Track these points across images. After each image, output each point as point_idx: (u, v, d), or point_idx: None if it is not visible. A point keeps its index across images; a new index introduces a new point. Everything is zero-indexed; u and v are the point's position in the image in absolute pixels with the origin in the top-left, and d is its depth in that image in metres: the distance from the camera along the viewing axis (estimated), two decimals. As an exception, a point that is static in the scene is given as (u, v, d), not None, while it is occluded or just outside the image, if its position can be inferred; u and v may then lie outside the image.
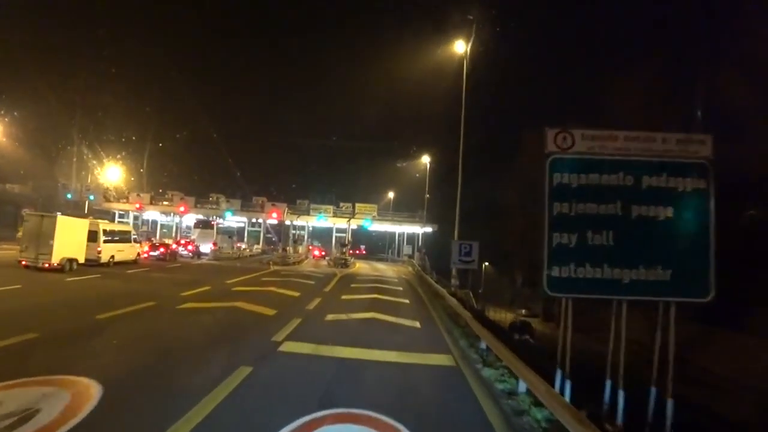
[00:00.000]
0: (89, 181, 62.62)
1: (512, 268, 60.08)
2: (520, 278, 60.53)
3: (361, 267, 46.04)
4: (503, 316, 22.94)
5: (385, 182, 72.49)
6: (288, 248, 44.40)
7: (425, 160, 47.66)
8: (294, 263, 41.92)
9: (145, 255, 33.13)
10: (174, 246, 40.26)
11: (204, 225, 47.73)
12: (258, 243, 63.66)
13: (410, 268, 48.31)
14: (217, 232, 47.39)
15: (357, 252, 76.39)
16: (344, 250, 43.48)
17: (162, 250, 33.51)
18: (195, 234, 47.66)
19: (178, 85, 70.56)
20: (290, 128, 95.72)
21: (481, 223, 61.64)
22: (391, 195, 69.66)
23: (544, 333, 23.44)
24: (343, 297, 19.38)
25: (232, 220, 63.90)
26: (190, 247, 39.60)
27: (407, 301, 20.49)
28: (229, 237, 45.88)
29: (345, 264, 41.48)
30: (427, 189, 47.21)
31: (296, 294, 19.13)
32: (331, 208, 58.09)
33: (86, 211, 53.96)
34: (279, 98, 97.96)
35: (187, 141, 70.81)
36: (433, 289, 24.41)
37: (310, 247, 71.51)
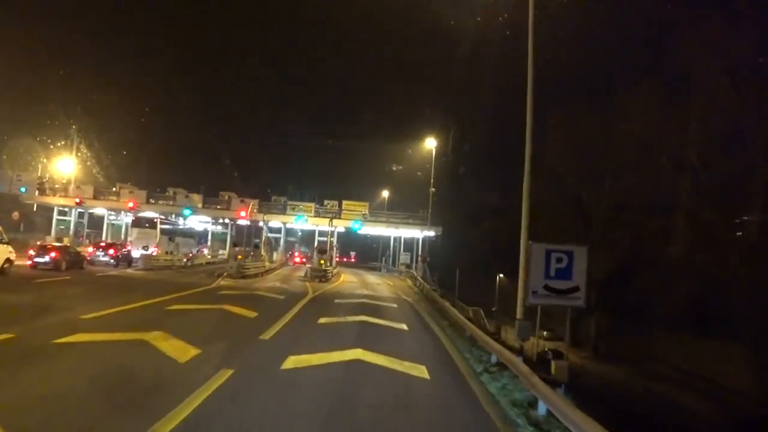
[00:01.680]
0: (39, 173, 52.04)
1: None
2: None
3: (346, 280, 35.59)
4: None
5: (379, 179, 62.28)
6: (243, 256, 33.98)
7: (430, 144, 37.54)
8: (258, 274, 31.46)
9: (29, 262, 22.83)
10: (91, 250, 29.73)
11: (144, 224, 37.15)
12: (234, 247, 53.37)
13: (409, 282, 37.97)
14: (162, 234, 36.79)
15: (344, 260, 65.82)
16: (324, 258, 33.06)
17: (53, 255, 23.03)
18: (133, 235, 37.11)
19: (144, 65, 60.08)
20: (274, 116, 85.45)
21: (493, 223, 51.41)
22: (385, 194, 59.40)
23: (582, 366, 21.65)
24: (291, 359, 8.98)
25: (195, 220, 53.36)
26: (111, 251, 29.05)
27: (426, 375, 9.35)
28: (170, 239, 35.25)
29: (324, 276, 31.08)
30: (432, 180, 37.17)
31: (193, 351, 8.71)
32: (312, 206, 47.69)
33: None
34: (260, 82, 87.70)
35: (151, 128, 60.30)
36: (471, 332, 13.87)
37: (296, 254, 60.87)
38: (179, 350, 8.64)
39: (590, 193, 41.68)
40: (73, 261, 24.30)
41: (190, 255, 36.73)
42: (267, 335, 11.19)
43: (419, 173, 56.10)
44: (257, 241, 52.97)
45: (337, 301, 20.69)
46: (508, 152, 47.93)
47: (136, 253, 32.23)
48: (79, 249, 28.86)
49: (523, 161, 14.71)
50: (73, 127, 46.31)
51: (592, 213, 40.94)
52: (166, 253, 36.78)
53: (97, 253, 28.89)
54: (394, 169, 63.91)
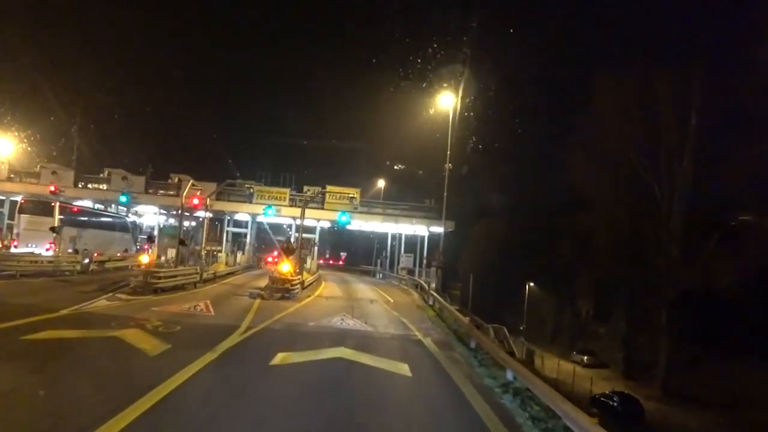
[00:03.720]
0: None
1: (575, 291, 38.48)
2: (591, 310, 38.56)
3: (325, 294, 24.73)
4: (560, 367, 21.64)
5: (372, 165, 51.45)
6: (166, 257, 23.19)
7: (446, 103, 26.65)
8: (185, 286, 20.60)
9: None
10: None
11: (37, 210, 26.16)
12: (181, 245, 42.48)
13: (414, 295, 27.17)
14: (63, 224, 25.77)
15: (331, 262, 54.94)
16: (292, 262, 21.95)
17: None
18: (21, 225, 26.07)
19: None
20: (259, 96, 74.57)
21: (523, 221, 40.40)
22: (381, 183, 48.49)
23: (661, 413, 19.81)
24: None
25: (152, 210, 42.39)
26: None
27: None
28: (53, 232, 24.00)
29: (287, 292, 20.12)
30: (448, 154, 26.29)
31: None
32: (286, 192, 36.70)
33: None
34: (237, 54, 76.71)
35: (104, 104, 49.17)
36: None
37: (274, 254, 49.68)
38: None
39: (665, 185, 31.10)
40: None
41: (95, 255, 25.69)
42: None
43: (420, 172, 45.62)
44: (186, 238, 41.96)
45: (279, 357, 9.73)
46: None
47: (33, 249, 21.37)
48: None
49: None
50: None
51: (668, 214, 30.68)
52: (75, 251, 25.88)
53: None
54: (396, 168, 53.11)
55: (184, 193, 26.20)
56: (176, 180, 38.88)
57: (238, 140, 76.53)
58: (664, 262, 31.17)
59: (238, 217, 41.73)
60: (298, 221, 42.15)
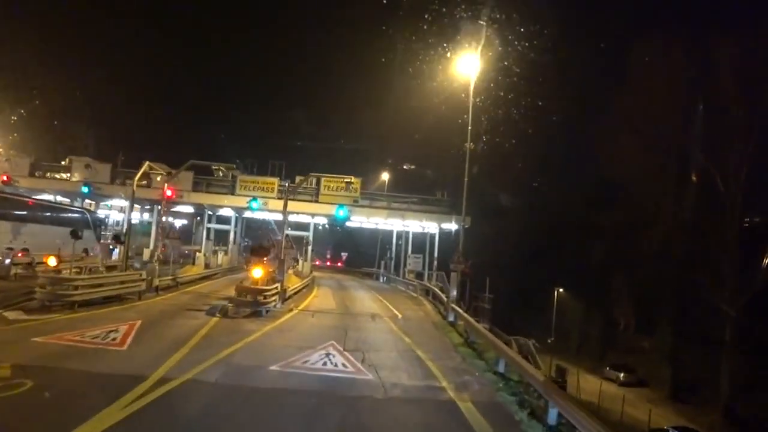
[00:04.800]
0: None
1: (611, 300, 33.00)
2: (632, 321, 33.08)
3: (314, 305, 19.41)
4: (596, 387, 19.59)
5: (376, 157, 46.17)
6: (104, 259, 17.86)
7: (464, 69, 21.13)
8: (114, 299, 15.32)
9: None
10: None
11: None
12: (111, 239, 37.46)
13: (427, 306, 21.82)
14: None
15: (328, 264, 49.59)
16: (266, 267, 16.47)
17: None
18: None
19: None
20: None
21: (548, 218, 34.91)
22: (385, 177, 43.08)
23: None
24: None
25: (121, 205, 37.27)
26: None
27: None
28: None
29: (259, 305, 14.70)
30: (469, 130, 20.78)
31: None
32: (274, 182, 31.31)
33: None
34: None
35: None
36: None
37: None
38: None
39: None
40: None
41: (19, 255, 20.30)
42: None
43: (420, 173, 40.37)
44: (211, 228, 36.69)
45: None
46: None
47: None
48: None
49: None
50: None
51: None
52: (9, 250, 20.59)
53: None
54: (405, 168, 47.58)
55: (135, 179, 20.87)
56: (146, 168, 33.61)
57: (222, 123, 71.09)
58: (729, 262, 25.66)
59: (224, 212, 36.53)
60: (291, 216, 37.04)
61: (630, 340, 35.57)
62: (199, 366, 8.65)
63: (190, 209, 37.97)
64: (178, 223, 49.93)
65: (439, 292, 20.70)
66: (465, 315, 14.16)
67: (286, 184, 32.93)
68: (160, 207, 25.26)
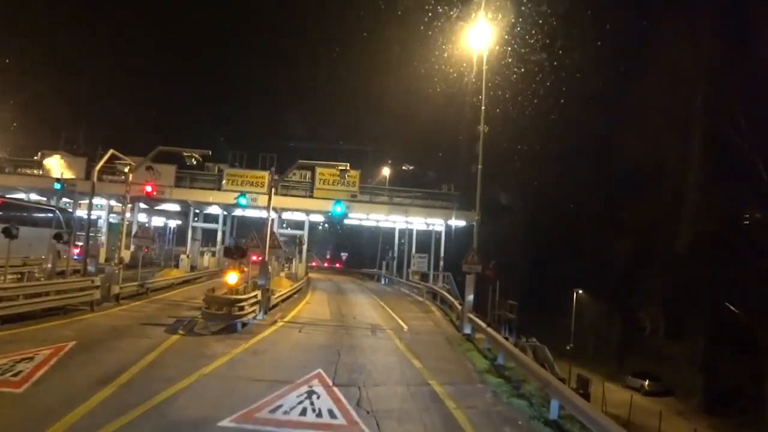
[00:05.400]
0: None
1: (636, 301, 30.24)
2: (661, 325, 30.41)
3: (303, 315, 16.66)
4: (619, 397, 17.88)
5: (377, 152, 43.32)
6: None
7: (475, 42, 18.28)
8: (81, 304, 12.55)
9: None
10: None
11: None
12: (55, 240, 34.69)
13: (437, 313, 19.01)
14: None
15: (326, 265, 46.75)
16: (235, 275, 13.49)
17: None
18: None
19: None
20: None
21: (565, 212, 31.89)
22: (386, 172, 40.19)
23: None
24: None
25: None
26: None
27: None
28: None
29: (233, 318, 11.79)
30: (482, 110, 18.00)
31: None
32: (264, 176, 28.51)
33: None
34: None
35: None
36: None
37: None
38: None
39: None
40: None
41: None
42: None
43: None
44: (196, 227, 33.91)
45: None
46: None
47: None
48: None
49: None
50: None
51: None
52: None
53: None
54: (405, 168, 44.62)
55: (96, 169, 18.04)
56: (126, 165, 30.82)
57: (210, 114, 68.08)
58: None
59: (212, 209, 33.76)
60: (285, 214, 34.23)
61: (654, 345, 32.71)
62: (116, 421, 5.83)
63: (176, 207, 35.17)
64: (172, 223, 47.27)
65: (450, 297, 17.88)
66: (489, 330, 11.28)
67: (272, 173, 30.18)
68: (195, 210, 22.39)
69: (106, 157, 18.40)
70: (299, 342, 11.50)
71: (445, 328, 15.67)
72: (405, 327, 14.91)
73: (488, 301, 16.33)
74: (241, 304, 12.21)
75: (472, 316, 13.61)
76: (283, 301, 18.33)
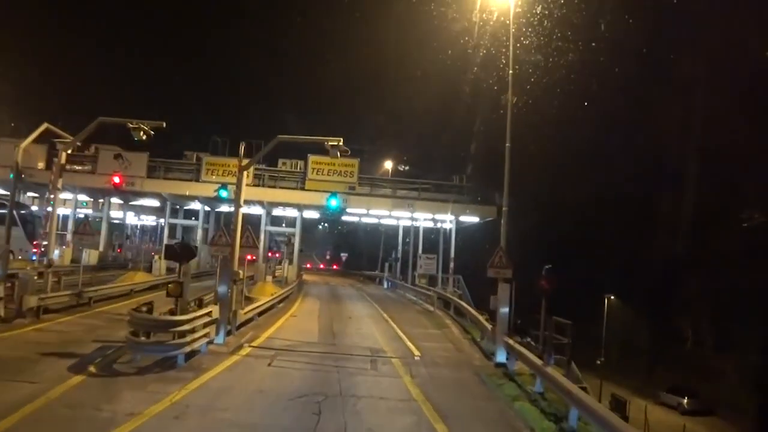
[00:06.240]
0: None
1: (677, 309, 26.61)
2: (709, 337, 26.85)
3: (281, 336, 12.82)
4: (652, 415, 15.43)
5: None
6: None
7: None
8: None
9: None
10: None
11: None
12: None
13: (453, 330, 15.20)
14: None
15: (321, 266, 43.04)
16: (177, 287, 9.62)
17: None
18: None
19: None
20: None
21: (594, 207, 28.12)
22: (388, 165, 36.39)
23: None
24: None
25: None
26: None
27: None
28: None
29: (167, 350, 8.01)
30: (510, 75, 14.40)
31: None
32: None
33: None
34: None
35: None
36: None
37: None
38: None
39: None
40: None
41: None
42: None
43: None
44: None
45: None
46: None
47: None
48: None
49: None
50: None
51: None
52: None
53: None
54: (401, 167, 40.70)
55: (21, 147, 14.33)
56: (92, 150, 27.15)
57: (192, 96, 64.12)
58: None
59: (194, 204, 30.05)
60: (280, 211, 30.54)
61: (692, 357, 28.93)
62: None
63: (156, 202, 31.42)
64: (150, 220, 43.48)
65: (472, 311, 14.11)
66: (558, 379, 7.40)
67: (265, 168, 26.46)
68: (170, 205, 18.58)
69: (37, 133, 14.68)
70: (262, 388, 7.71)
71: (469, 352, 11.88)
72: (416, 352, 11.11)
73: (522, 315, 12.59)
74: (182, 327, 8.43)
75: (511, 342, 9.82)
76: (261, 313, 14.61)
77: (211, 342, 10.18)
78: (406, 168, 38.79)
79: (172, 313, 9.05)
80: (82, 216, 30.76)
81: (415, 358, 10.61)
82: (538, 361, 8.17)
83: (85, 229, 15.17)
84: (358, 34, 56.90)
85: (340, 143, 12.96)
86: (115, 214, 34.32)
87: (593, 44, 21.61)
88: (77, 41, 54.59)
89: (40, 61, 42.81)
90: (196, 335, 8.90)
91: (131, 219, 37.93)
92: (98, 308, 14.19)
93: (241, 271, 13.73)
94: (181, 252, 9.50)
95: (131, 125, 12.77)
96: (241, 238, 14.11)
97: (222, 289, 10.65)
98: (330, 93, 66.26)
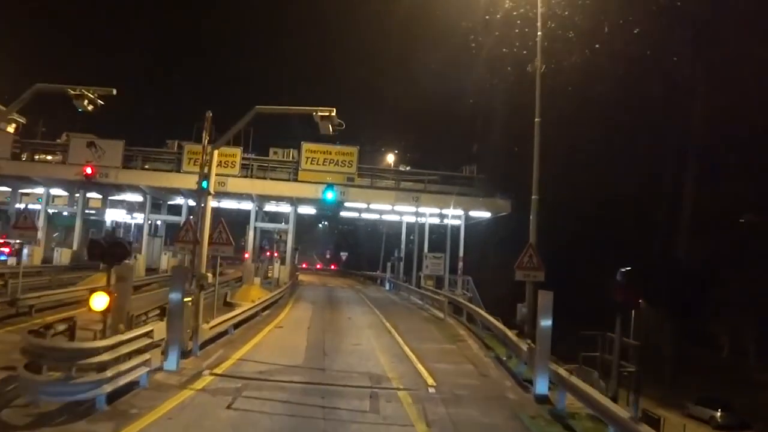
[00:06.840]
0: None
1: (709, 313, 23.99)
2: (753, 347, 24.40)
3: (257, 357, 10.32)
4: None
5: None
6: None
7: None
8: None
9: None
10: None
11: None
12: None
13: (473, 346, 12.59)
14: None
15: (317, 266, 40.54)
16: (103, 297, 7.07)
17: None
18: None
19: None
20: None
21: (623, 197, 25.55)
22: (390, 158, 33.79)
23: None
24: None
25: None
26: None
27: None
28: None
29: (83, 390, 5.45)
30: (539, 35, 11.89)
31: None
32: (236, 154, 22.24)
33: None
34: None
35: None
36: None
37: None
38: None
39: None
40: None
41: None
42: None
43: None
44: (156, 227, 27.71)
45: None
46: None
47: None
48: None
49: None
50: None
51: None
52: None
53: None
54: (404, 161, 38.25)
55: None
56: (64, 138, 24.63)
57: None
58: None
59: (174, 202, 27.48)
60: (270, 205, 27.99)
61: (728, 366, 26.37)
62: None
63: (139, 197, 28.85)
64: (140, 216, 40.82)
65: (500, 325, 11.52)
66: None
67: (253, 157, 23.92)
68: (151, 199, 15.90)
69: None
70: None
71: (497, 378, 9.29)
72: (430, 380, 8.51)
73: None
74: (99, 358, 5.86)
75: (563, 372, 7.25)
76: (238, 324, 12.07)
77: (159, 369, 7.66)
78: (410, 156, 36.18)
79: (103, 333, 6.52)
80: (54, 211, 28.34)
81: (430, 390, 8.02)
82: (619, 412, 5.60)
83: (24, 222, 12.60)
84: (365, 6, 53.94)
85: (332, 114, 10.41)
86: (113, 212, 31.90)
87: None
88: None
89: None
90: (124, 366, 6.33)
91: (120, 216, 35.46)
92: (40, 318, 11.68)
93: (210, 274, 11.23)
94: (108, 249, 6.90)
95: (72, 92, 10.20)
96: (212, 232, 11.65)
97: (174, 297, 8.08)
98: (329, 66, 63.64)
